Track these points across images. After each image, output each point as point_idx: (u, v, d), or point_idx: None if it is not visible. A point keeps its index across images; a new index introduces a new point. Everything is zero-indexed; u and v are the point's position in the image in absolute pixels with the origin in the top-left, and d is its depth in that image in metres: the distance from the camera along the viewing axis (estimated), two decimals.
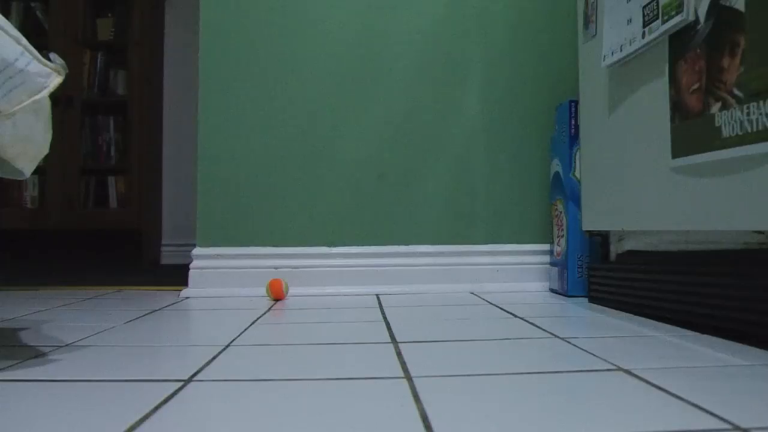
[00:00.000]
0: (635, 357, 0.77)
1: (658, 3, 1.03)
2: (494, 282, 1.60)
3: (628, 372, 0.71)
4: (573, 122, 1.47)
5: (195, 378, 0.71)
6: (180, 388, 0.66)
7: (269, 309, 1.32)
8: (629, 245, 1.26)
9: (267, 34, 1.67)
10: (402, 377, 0.71)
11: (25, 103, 0.73)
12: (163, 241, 3.31)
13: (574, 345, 0.87)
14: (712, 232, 0.98)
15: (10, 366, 0.78)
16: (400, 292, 1.58)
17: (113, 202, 3.16)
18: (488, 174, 1.67)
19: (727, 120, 0.87)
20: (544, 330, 1.00)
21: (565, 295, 1.47)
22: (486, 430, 0.54)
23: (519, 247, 1.65)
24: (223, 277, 1.59)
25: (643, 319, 1.11)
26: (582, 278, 1.44)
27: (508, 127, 1.68)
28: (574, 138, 1.47)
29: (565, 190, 1.48)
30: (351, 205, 1.66)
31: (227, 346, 0.89)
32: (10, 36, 0.72)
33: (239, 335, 0.98)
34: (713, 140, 0.90)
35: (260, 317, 1.19)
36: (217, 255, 1.60)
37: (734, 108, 0.85)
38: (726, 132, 0.87)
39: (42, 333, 1.03)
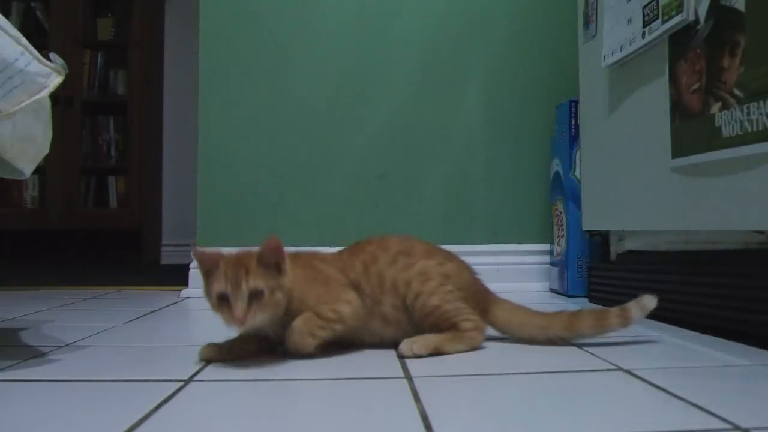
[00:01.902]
0: (635, 357, 0.77)
1: (658, 3, 1.03)
2: (494, 282, 1.58)
3: (629, 372, 0.71)
4: (573, 122, 1.47)
5: (195, 378, 0.71)
6: (180, 388, 0.66)
7: None
8: (629, 245, 1.26)
9: (267, 34, 1.67)
10: (402, 377, 0.71)
11: (25, 103, 0.73)
12: (163, 241, 3.31)
13: (574, 345, 0.87)
14: (712, 232, 0.98)
15: (10, 366, 0.78)
16: None
17: (113, 202, 3.16)
18: (488, 174, 1.67)
19: (727, 120, 0.87)
20: None
21: (566, 295, 1.47)
22: (485, 428, 0.54)
23: (519, 247, 1.65)
24: None
25: (643, 318, 1.11)
26: (582, 278, 1.44)
27: (508, 128, 1.68)
28: (574, 138, 1.47)
29: (565, 190, 1.48)
30: (351, 205, 1.66)
31: None
32: (10, 36, 0.72)
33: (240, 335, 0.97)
34: (713, 140, 0.90)
35: None
36: None
37: (734, 108, 0.85)
38: (726, 132, 0.87)
39: (42, 333, 1.03)
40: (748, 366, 0.75)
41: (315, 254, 0.88)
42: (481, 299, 0.89)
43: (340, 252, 0.91)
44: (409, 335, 0.82)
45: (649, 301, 0.82)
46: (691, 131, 0.96)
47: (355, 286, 0.84)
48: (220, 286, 0.73)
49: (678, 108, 1.00)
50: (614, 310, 0.83)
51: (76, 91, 3.03)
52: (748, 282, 0.87)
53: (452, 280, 0.86)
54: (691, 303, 1.00)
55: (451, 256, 0.92)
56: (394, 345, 0.83)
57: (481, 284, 0.92)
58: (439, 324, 0.83)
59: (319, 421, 0.56)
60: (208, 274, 0.76)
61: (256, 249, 0.77)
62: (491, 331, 0.90)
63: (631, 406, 0.60)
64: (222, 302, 0.73)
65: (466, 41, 1.69)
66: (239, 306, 0.72)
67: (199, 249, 0.78)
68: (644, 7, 1.08)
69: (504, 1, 1.70)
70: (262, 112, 1.66)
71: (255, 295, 0.73)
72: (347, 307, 0.81)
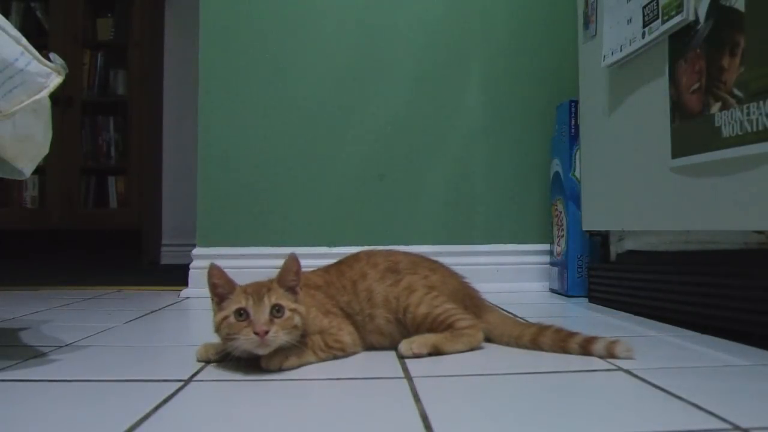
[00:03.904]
0: (635, 357, 0.77)
1: (658, 3, 1.03)
2: (494, 282, 1.60)
3: (628, 372, 0.71)
4: (573, 122, 1.47)
5: (195, 378, 0.71)
6: (180, 388, 0.66)
7: None
8: (629, 245, 1.26)
9: (266, 34, 1.67)
10: (402, 377, 0.71)
11: (25, 103, 0.73)
12: (163, 241, 3.30)
13: None
14: (712, 232, 0.98)
15: (10, 366, 0.78)
16: None
17: (113, 202, 3.15)
18: (488, 174, 1.67)
19: (727, 120, 0.87)
20: None
21: (565, 295, 1.47)
22: (485, 428, 0.54)
23: (519, 247, 1.65)
24: None
25: (643, 319, 1.11)
26: (582, 278, 1.44)
27: (508, 127, 1.68)
28: (574, 138, 1.47)
29: (565, 190, 1.48)
30: (351, 205, 1.66)
31: None
32: (10, 36, 0.72)
33: None
34: (713, 140, 0.90)
35: None
36: (217, 255, 1.60)
37: (734, 108, 0.85)
38: (726, 132, 0.87)
39: (42, 333, 1.03)
40: (748, 366, 0.75)
41: (306, 279, 0.86)
42: (471, 304, 0.90)
43: (327, 270, 0.92)
44: None
45: (622, 352, 0.77)
46: (691, 131, 0.96)
47: (346, 313, 0.85)
48: (239, 302, 0.72)
49: (678, 108, 1.00)
50: (579, 338, 0.81)
51: (76, 91, 3.03)
52: (748, 282, 0.87)
53: (437, 289, 0.87)
54: (691, 303, 1.00)
55: (435, 267, 0.93)
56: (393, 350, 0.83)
57: (471, 290, 0.93)
58: (434, 329, 0.84)
59: (319, 421, 0.56)
60: (222, 298, 0.75)
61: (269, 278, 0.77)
62: None
63: (631, 406, 0.60)
64: (240, 319, 0.71)
65: (466, 41, 1.69)
66: (261, 318, 0.71)
67: (216, 266, 0.75)
68: (644, 7, 1.08)
69: (504, 2, 1.70)
70: (262, 112, 1.66)
71: (277, 311, 0.72)
72: (348, 337, 0.82)
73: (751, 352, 0.82)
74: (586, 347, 0.79)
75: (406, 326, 0.85)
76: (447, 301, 0.86)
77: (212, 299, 0.76)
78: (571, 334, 0.82)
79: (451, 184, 1.67)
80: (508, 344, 0.87)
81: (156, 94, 3.27)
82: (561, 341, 0.81)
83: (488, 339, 0.88)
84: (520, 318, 1.10)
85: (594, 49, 1.32)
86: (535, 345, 0.84)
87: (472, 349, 0.83)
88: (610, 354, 0.78)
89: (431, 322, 0.83)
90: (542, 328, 0.85)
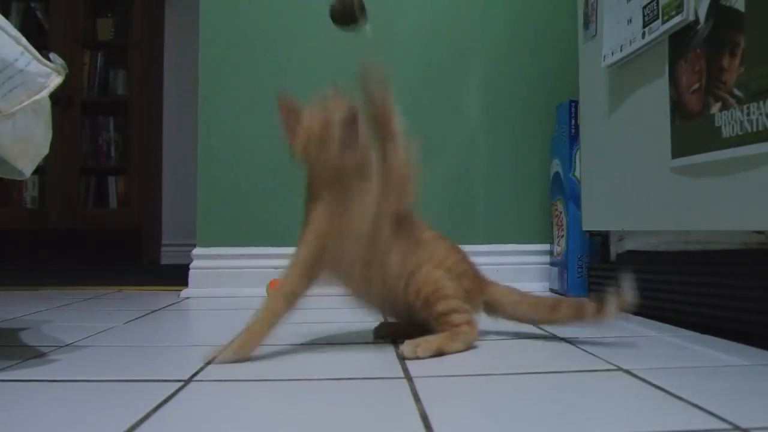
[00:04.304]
0: (635, 357, 0.77)
1: (658, 3, 1.03)
2: None
3: (628, 372, 0.71)
4: (573, 122, 1.47)
5: (195, 378, 0.71)
6: (180, 388, 0.66)
7: None
8: (629, 245, 1.26)
9: (267, 34, 1.67)
10: (402, 377, 0.71)
11: (25, 103, 0.73)
12: (163, 241, 3.30)
13: (574, 345, 0.87)
14: (712, 232, 0.98)
15: (10, 366, 0.78)
16: None
17: (113, 202, 3.15)
18: (488, 174, 1.67)
19: (727, 120, 0.87)
20: (544, 330, 1.00)
21: (565, 295, 1.47)
22: (485, 428, 0.54)
23: (519, 247, 1.65)
24: (223, 277, 1.59)
25: (643, 319, 1.11)
26: (582, 278, 1.44)
27: (508, 127, 1.68)
28: (574, 138, 1.47)
29: (565, 190, 1.48)
30: None
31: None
32: (10, 36, 0.72)
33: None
34: (713, 140, 0.90)
35: None
36: (217, 255, 1.60)
37: (734, 108, 0.85)
38: (726, 132, 0.87)
39: (42, 333, 1.03)
40: (748, 366, 0.75)
41: None
42: (475, 277, 0.92)
43: None
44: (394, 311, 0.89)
45: (627, 295, 0.83)
46: (691, 131, 0.96)
47: None
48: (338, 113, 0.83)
49: (678, 108, 1.00)
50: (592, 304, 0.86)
51: (76, 91, 3.03)
52: (748, 282, 0.87)
53: (443, 267, 0.87)
54: (691, 303, 1.00)
55: (437, 236, 0.93)
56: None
57: (470, 265, 0.94)
58: (428, 307, 0.84)
59: (319, 421, 0.56)
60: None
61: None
62: (489, 327, 0.90)
63: (631, 406, 0.60)
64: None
65: (465, 41, 1.69)
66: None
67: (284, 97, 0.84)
68: (644, 7, 1.08)
69: (504, 1, 1.70)
70: (262, 111, 1.66)
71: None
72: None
73: (751, 352, 0.82)
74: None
75: (396, 295, 0.85)
76: (449, 287, 0.85)
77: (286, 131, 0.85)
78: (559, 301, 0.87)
79: (451, 184, 1.67)
80: (521, 316, 0.90)
81: (156, 94, 3.28)
82: (578, 310, 0.86)
83: (495, 312, 0.91)
84: None
85: (594, 49, 1.32)
86: (554, 319, 0.89)
87: (469, 347, 0.84)
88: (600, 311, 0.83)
89: (424, 301, 0.84)
90: (556, 302, 0.88)
